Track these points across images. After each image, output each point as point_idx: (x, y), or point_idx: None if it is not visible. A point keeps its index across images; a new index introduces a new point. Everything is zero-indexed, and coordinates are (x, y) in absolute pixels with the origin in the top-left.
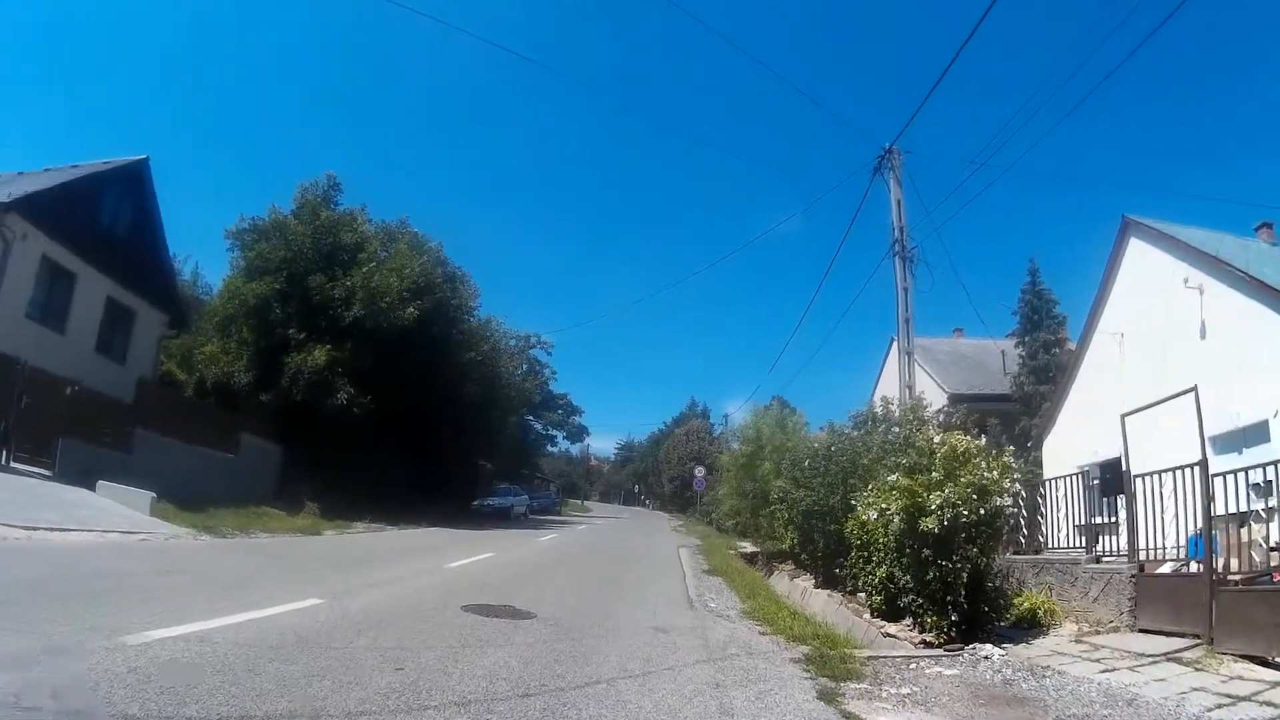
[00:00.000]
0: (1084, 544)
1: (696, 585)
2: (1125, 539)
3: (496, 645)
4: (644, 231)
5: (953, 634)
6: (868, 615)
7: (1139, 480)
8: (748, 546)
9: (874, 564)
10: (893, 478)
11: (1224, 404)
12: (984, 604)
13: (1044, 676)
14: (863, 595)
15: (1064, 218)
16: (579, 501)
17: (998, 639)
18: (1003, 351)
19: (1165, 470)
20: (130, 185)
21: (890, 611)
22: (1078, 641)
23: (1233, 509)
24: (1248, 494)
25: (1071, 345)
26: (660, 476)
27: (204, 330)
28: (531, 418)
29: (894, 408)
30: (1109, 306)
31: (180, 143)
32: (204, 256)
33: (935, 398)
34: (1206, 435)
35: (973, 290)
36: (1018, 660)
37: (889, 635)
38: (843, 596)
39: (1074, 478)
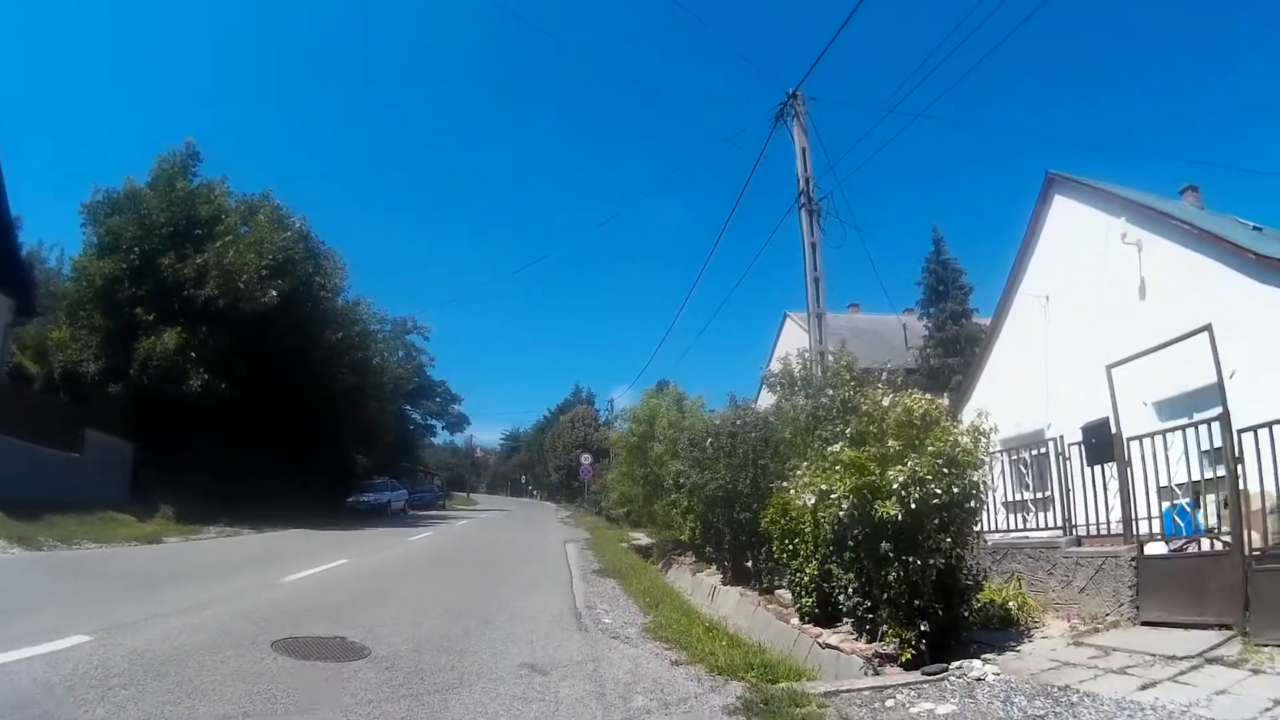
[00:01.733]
0: (1020, 525)
1: (586, 591)
2: (1057, 515)
3: (292, 715)
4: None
5: (921, 646)
6: (795, 619)
7: (1134, 444)
8: (642, 538)
9: (801, 559)
10: (834, 448)
11: (1170, 367)
12: (959, 606)
13: (1072, 703)
14: (784, 593)
15: (971, 179)
16: (465, 494)
17: (977, 648)
18: (904, 325)
19: (1171, 429)
20: None
21: (824, 614)
22: (1076, 644)
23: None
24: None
25: (979, 319)
26: (546, 466)
27: (59, 317)
28: (409, 407)
29: (817, 369)
30: (1031, 268)
31: (51, 115)
32: (73, 241)
33: None
34: (1149, 401)
35: (873, 262)
36: (1020, 679)
37: (829, 646)
38: (759, 595)
39: (1008, 452)
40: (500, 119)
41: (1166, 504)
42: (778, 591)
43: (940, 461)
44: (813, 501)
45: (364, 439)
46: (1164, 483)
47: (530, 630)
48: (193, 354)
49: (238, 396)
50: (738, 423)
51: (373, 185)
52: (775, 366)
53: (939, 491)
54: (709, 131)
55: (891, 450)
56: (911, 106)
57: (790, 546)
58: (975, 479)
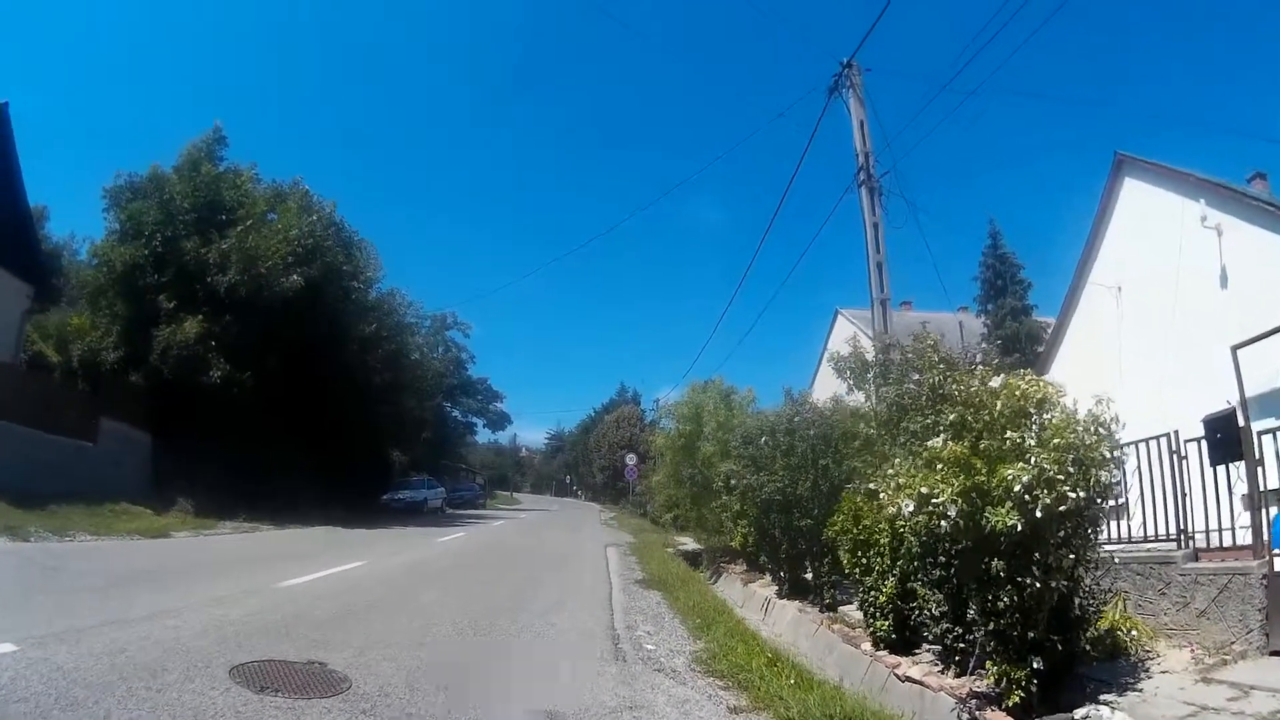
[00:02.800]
0: (1117, 535)
1: (627, 607)
2: (1137, 523)
3: None
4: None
5: (1032, 688)
6: (867, 644)
7: (1268, 439)
8: (688, 543)
9: (876, 575)
10: (935, 442)
11: (1259, 360)
12: (1077, 638)
13: None
14: (850, 609)
15: (1031, 162)
16: (508, 494)
17: (1094, 687)
18: (960, 323)
19: None
20: None
21: (900, 639)
22: (1205, 681)
23: None
24: None
25: (1039, 317)
26: (591, 466)
27: (79, 304)
28: (449, 404)
29: (895, 354)
30: (1101, 257)
31: (91, 109)
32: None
33: None
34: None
35: (930, 250)
36: None
37: (910, 680)
38: (820, 612)
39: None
40: (538, 108)
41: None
42: (841, 608)
43: (1071, 458)
44: (911, 509)
45: (400, 435)
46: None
47: (556, 658)
48: (213, 343)
49: (262, 387)
50: (795, 419)
51: (410, 182)
52: (843, 349)
53: (1071, 495)
54: (756, 113)
55: (1008, 443)
56: (967, 83)
57: (863, 560)
58: (1105, 480)
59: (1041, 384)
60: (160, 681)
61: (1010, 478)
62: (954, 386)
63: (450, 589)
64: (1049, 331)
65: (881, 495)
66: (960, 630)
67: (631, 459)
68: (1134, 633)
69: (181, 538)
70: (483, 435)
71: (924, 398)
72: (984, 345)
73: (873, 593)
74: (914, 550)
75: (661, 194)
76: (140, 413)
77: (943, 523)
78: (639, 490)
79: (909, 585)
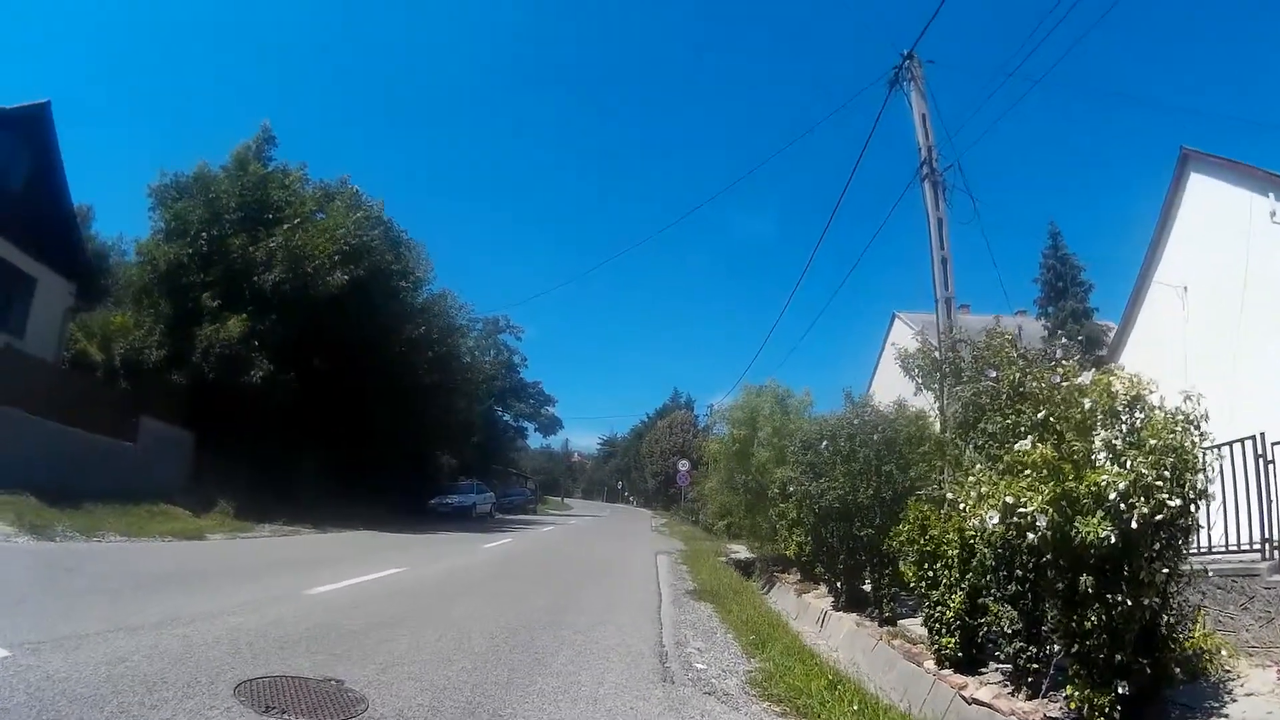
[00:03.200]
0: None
1: (677, 620)
2: (1216, 533)
3: None
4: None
5: (1116, 715)
6: (930, 662)
7: None
8: (741, 551)
9: (944, 589)
10: (1023, 445)
11: None
12: (1167, 660)
13: None
14: (911, 624)
15: (1093, 159)
16: (559, 499)
17: (1179, 713)
18: (1019, 327)
19: None
20: (26, 135)
21: (966, 657)
22: None
23: None
24: None
25: (1100, 320)
26: (643, 472)
27: (124, 303)
28: (500, 408)
29: (967, 352)
30: (1166, 256)
31: (144, 110)
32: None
33: None
34: None
35: (990, 249)
36: None
37: (979, 703)
38: (878, 626)
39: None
40: (587, 115)
41: None
42: (901, 623)
43: (1170, 460)
44: (995, 520)
45: (449, 438)
46: None
47: (598, 679)
48: (256, 342)
49: (306, 388)
50: (855, 422)
51: (464, 185)
52: (910, 344)
53: (1173, 503)
54: (813, 112)
55: (1098, 445)
56: (1029, 73)
57: (929, 573)
58: (1200, 486)
59: (1135, 380)
60: (156, 697)
61: (1104, 484)
62: (1035, 384)
63: (489, 599)
64: (1110, 335)
65: (961, 506)
66: (1034, 650)
67: (684, 465)
68: (1222, 652)
69: (216, 540)
70: (534, 440)
71: (1004, 396)
72: (1063, 341)
73: (939, 608)
74: (987, 563)
75: (719, 191)
76: (182, 412)
77: (1029, 535)
78: (690, 497)
79: (980, 600)
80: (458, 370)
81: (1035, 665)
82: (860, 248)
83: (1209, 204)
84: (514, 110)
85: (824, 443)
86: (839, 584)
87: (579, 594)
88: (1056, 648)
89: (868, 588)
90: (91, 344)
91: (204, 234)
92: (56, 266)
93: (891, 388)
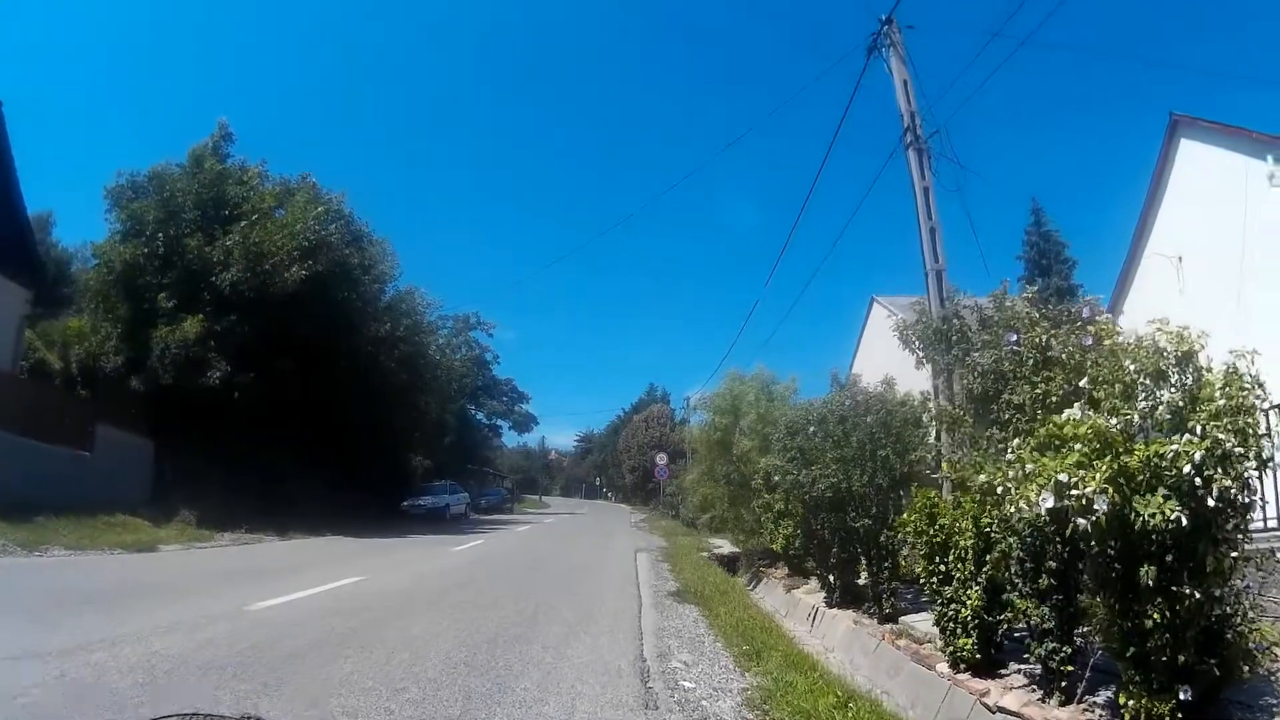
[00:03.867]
0: None
1: (659, 628)
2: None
3: None
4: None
5: None
6: (943, 665)
7: None
8: (724, 546)
9: (957, 584)
10: (1071, 413)
11: None
12: (1236, 658)
13: None
14: (915, 620)
15: (1079, 127)
16: (536, 497)
17: (1244, 716)
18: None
19: None
20: None
21: (984, 658)
22: None
23: None
24: None
25: (1089, 296)
26: (620, 468)
27: (85, 309)
28: (474, 407)
29: (973, 318)
30: (1159, 227)
31: (109, 117)
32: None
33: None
34: None
35: (974, 228)
36: None
37: (1003, 711)
38: (879, 624)
39: None
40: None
41: None
42: (903, 619)
43: (1248, 423)
44: (1048, 504)
45: (421, 439)
46: None
47: (569, 707)
48: (213, 343)
49: (270, 390)
50: (846, 404)
51: (429, 180)
52: (858, 365)
53: (1251, 475)
54: (786, 86)
55: (1169, 408)
56: (1012, 32)
57: (941, 567)
58: (1266, 455)
59: (1183, 335)
60: None
61: (1170, 456)
62: (1063, 347)
63: (452, 610)
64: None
65: (999, 489)
66: (1068, 650)
67: (662, 459)
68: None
69: (169, 551)
70: (510, 439)
71: (1030, 362)
72: (1090, 298)
73: (953, 605)
74: (1013, 554)
75: (689, 172)
76: (141, 419)
77: (1080, 521)
78: (670, 491)
79: (1004, 596)
80: (427, 368)
81: (1069, 667)
82: (839, 231)
83: (1201, 170)
84: (476, 95)
85: (812, 427)
86: (832, 578)
87: (552, 600)
88: (1096, 646)
89: (863, 581)
90: (52, 352)
91: (160, 234)
92: (10, 272)
93: (872, 373)
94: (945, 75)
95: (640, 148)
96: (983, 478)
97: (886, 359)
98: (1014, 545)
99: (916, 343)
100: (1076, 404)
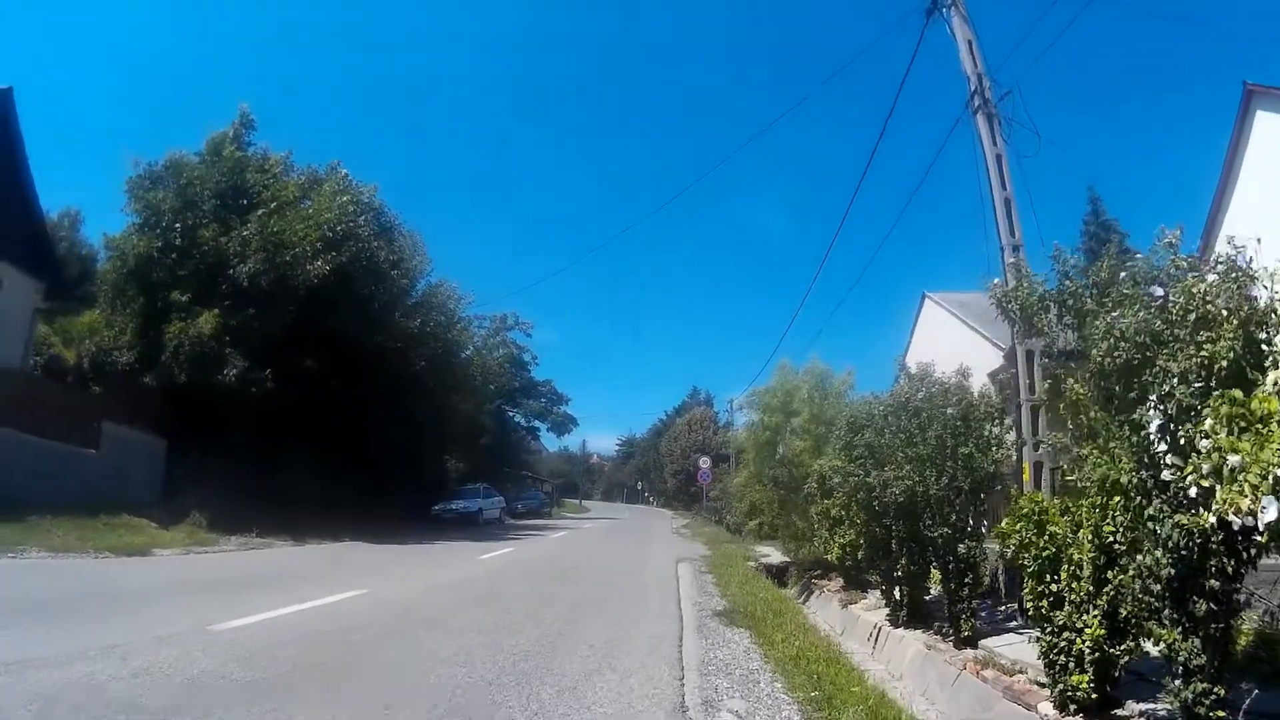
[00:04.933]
0: None
1: (704, 659)
2: None
3: None
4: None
5: None
6: (1047, 706)
7: None
8: (772, 554)
9: (1071, 608)
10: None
11: None
12: None
13: None
14: (999, 645)
15: (1147, 105)
16: (576, 501)
17: None
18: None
19: None
20: None
21: (1100, 697)
22: None
23: None
24: None
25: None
26: (662, 471)
27: (101, 304)
28: (511, 409)
29: (1076, 273)
30: (1234, 207)
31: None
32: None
33: (987, 358)
34: None
35: (1034, 210)
36: None
37: None
38: (953, 648)
39: None
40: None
41: None
42: (984, 643)
43: None
44: (1272, 513)
45: (454, 440)
46: None
47: None
48: (228, 338)
49: (290, 388)
50: (920, 395)
51: (462, 183)
52: (912, 363)
53: None
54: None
55: None
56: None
57: (1051, 588)
58: None
59: None
60: None
61: None
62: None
63: (456, 634)
64: None
65: (1222, 492)
66: (1220, 693)
67: (704, 462)
68: None
69: (164, 556)
70: (550, 442)
71: (1192, 316)
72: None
73: (1065, 634)
74: (1162, 572)
75: (730, 153)
76: (154, 417)
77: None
78: (713, 496)
79: (1145, 624)
80: (459, 367)
81: (1221, 713)
82: (888, 226)
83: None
84: (522, 101)
85: (880, 423)
86: (897, 593)
87: (579, 621)
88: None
89: (931, 597)
90: (69, 349)
91: (177, 224)
92: (21, 265)
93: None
94: (1004, 42)
95: (674, 153)
96: (1168, 475)
97: (941, 357)
98: (1161, 560)
99: (1016, 311)
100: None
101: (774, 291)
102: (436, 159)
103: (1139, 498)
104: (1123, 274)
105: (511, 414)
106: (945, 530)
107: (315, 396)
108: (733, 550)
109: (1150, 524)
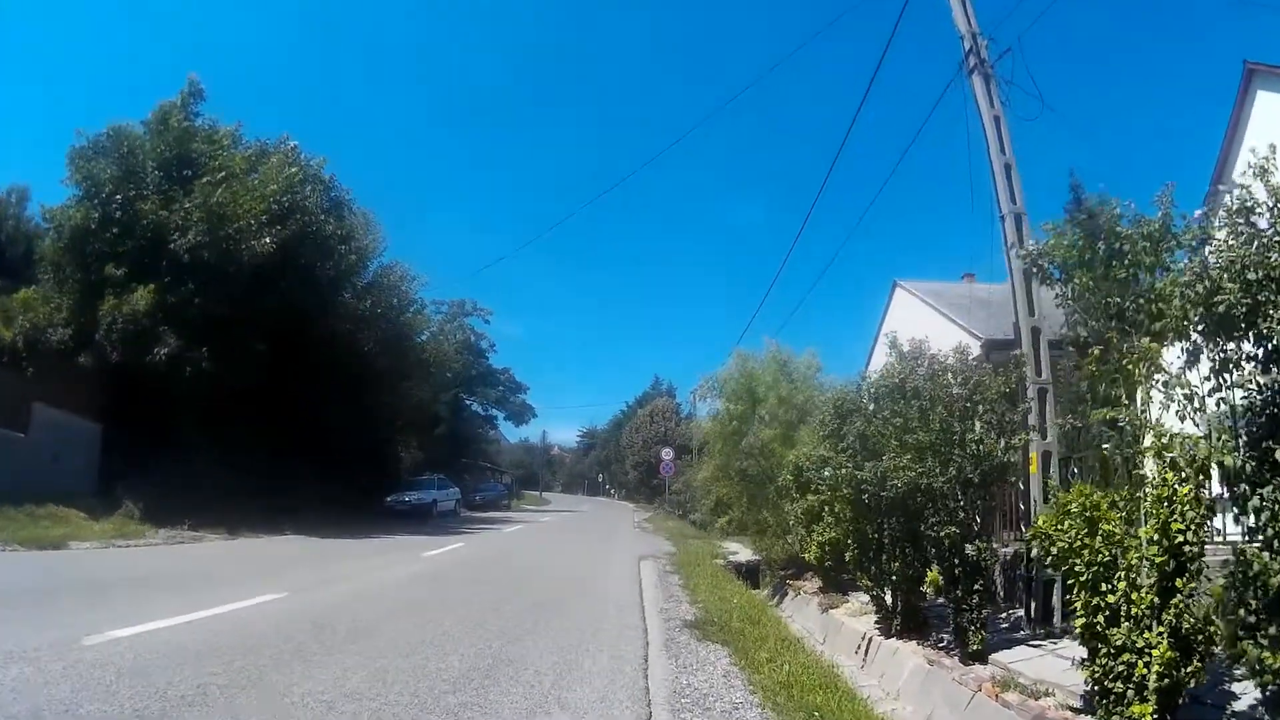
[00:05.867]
0: None
1: (675, 689)
2: None
3: None
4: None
5: None
6: None
7: None
8: (739, 551)
9: (1131, 624)
10: None
11: None
12: None
13: None
14: (1018, 663)
15: (1141, 82)
16: (537, 493)
17: None
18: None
19: None
20: None
21: None
22: None
23: None
24: None
25: None
26: (624, 463)
27: (41, 280)
28: (468, 397)
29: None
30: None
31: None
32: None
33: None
34: None
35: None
36: None
37: None
38: (959, 663)
39: None
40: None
41: None
42: (995, 658)
43: None
44: None
45: (409, 428)
46: None
47: None
48: (161, 315)
49: (228, 370)
50: (920, 372)
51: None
52: (879, 353)
53: None
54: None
55: None
56: None
57: (1107, 600)
58: None
59: None
60: None
61: None
62: None
63: (371, 657)
64: None
65: None
66: None
67: (668, 453)
68: None
69: (81, 550)
70: (511, 433)
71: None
72: (1074, 318)
73: (1124, 656)
74: (1273, 582)
75: (694, 126)
76: (89, 400)
77: None
78: (675, 489)
79: (1240, 642)
80: (413, 351)
81: None
82: (862, 213)
83: None
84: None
85: (872, 406)
86: (889, 598)
87: (526, 637)
88: None
89: (953, 610)
90: (8, 328)
91: (118, 196)
92: None
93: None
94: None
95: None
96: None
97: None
98: (1272, 567)
99: (1058, 259)
100: None
101: (741, 281)
102: (396, 140)
103: (1244, 485)
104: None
105: (469, 402)
106: (952, 529)
107: (262, 380)
108: (699, 547)
109: (1264, 515)
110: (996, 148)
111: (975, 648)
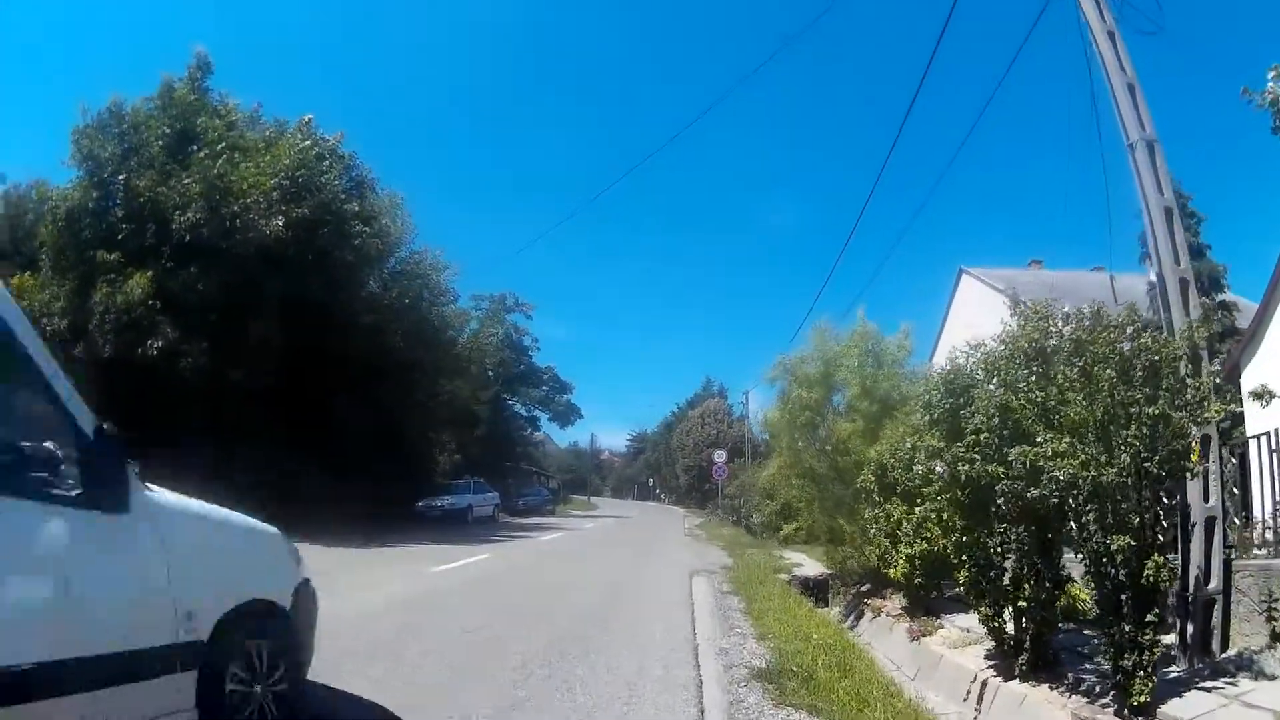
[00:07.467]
0: None
1: None
2: None
3: None
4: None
5: None
6: None
7: None
8: (804, 563)
9: None
10: None
11: None
12: None
13: None
14: (1228, 714)
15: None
16: (585, 498)
17: None
18: (1111, 278)
19: None
20: None
21: None
22: None
23: None
24: None
25: (1219, 262)
26: (674, 467)
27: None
28: (510, 397)
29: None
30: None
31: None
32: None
33: None
34: None
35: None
36: None
37: None
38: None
39: None
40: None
41: None
42: (1164, 708)
43: None
44: None
45: (442, 429)
46: None
47: None
48: (159, 304)
49: (233, 363)
50: (1065, 331)
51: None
52: (944, 347)
53: None
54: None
55: None
56: None
57: None
58: None
59: None
60: None
61: None
62: None
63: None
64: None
65: None
66: None
67: (720, 456)
68: None
69: None
70: (559, 437)
71: None
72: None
73: None
74: None
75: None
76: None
77: None
78: (729, 493)
79: None
80: (446, 345)
81: None
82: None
83: None
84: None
85: (1021, 370)
86: (1015, 628)
87: (528, 704)
88: None
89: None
90: None
91: (120, 175)
92: None
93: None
94: None
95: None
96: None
97: (985, 339)
98: None
99: None
100: None
101: (790, 279)
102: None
103: None
104: None
105: (511, 402)
106: (1125, 540)
107: (273, 374)
108: (758, 558)
109: None
110: (1115, 65)
111: (1143, 699)
